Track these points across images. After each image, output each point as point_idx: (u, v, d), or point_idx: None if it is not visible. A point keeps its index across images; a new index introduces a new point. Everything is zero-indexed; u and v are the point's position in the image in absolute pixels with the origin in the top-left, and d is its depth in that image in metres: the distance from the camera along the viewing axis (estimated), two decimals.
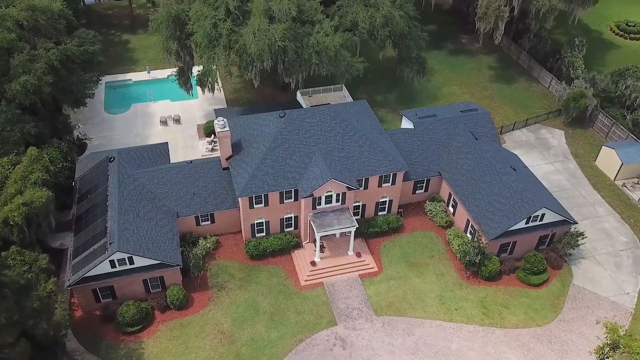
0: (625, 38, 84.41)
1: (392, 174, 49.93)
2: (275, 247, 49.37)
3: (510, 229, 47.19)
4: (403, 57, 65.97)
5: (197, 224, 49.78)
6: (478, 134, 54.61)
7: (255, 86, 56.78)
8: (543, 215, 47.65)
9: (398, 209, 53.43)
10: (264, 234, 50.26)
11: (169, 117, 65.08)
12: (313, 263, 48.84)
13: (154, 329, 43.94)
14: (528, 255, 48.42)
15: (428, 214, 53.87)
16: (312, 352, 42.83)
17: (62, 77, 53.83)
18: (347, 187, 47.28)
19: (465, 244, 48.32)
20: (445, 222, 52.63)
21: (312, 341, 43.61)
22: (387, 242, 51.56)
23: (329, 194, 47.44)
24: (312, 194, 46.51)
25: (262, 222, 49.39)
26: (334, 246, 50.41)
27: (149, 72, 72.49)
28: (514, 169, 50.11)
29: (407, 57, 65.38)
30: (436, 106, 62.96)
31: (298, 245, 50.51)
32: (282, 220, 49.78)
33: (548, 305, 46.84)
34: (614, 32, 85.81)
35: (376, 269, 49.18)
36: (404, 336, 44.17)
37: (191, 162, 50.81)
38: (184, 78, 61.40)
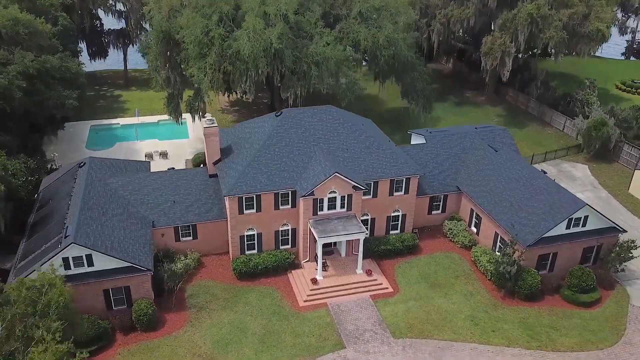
0: (633, 93, 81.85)
1: (404, 178, 43.23)
2: (269, 263, 41.23)
3: (549, 234, 39.58)
4: (408, 90, 62.25)
5: (177, 239, 42.02)
6: (497, 147, 48.82)
7: (250, 99, 51.87)
8: (586, 218, 40.31)
9: (413, 230, 45.89)
10: (255, 250, 42.30)
11: (155, 151, 59.44)
12: (314, 281, 40.39)
13: (112, 353, 34.52)
14: (573, 270, 40.21)
15: (448, 234, 46.24)
16: None
17: (38, 90, 49.06)
18: (353, 186, 40.39)
19: (496, 255, 40.42)
20: (469, 241, 44.86)
21: None
22: (402, 264, 43.39)
23: (333, 195, 40.39)
24: (312, 192, 39.49)
25: (254, 235, 41.70)
26: (339, 265, 42.25)
27: (137, 116, 68.22)
28: (544, 172, 43.59)
29: (412, 89, 61.58)
30: (447, 126, 57.92)
31: (296, 266, 42.33)
32: (277, 233, 42.13)
33: (607, 327, 37.75)
34: (620, 89, 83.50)
35: (391, 290, 40.62)
36: None
37: (173, 169, 44.32)
38: (173, 104, 56.69)
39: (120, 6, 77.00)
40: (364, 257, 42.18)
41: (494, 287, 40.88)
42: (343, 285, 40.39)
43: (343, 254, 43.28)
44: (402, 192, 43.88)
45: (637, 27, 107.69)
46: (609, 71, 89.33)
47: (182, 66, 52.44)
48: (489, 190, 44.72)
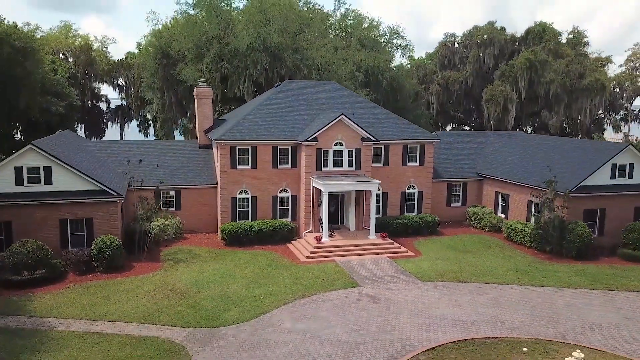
0: None
1: (418, 145, 38.59)
2: (264, 227, 34.55)
3: (593, 182, 33.97)
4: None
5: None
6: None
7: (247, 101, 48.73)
8: (632, 167, 35.01)
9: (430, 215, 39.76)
10: (249, 220, 35.80)
11: None
12: (319, 239, 33.40)
13: (61, 286, 26.64)
14: (629, 225, 33.75)
15: (472, 219, 40.05)
16: (322, 306, 25.13)
17: None
18: (362, 138, 35.67)
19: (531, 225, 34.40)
20: (497, 222, 38.55)
21: (320, 297, 26.13)
22: (422, 240, 36.58)
23: (339, 148, 35.45)
24: (315, 137, 34.65)
25: (247, 199, 35.66)
26: (348, 235, 35.45)
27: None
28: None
29: (417, 122, 59.22)
30: None
31: (296, 237, 35.53)
32: (274, 200, 36.12)
33: None
34: None
35: (412, 254, 33.45)
36: (474, 295, 26.83)
37: (159, 138, 39.77)
38: (165, 129, 53.59)
39: (121, 81, 77.97)
40: (376, 232, 35.64)
41: (536, 252, 33.83)
42: (354, 245, 33.38)
43: (352, 227, 36.71)
44: (417, 163, 38.86)
45: (629, 131, 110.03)
46: None
47: (178, 77, 50.25)
48: (513, 165, 39.87)
